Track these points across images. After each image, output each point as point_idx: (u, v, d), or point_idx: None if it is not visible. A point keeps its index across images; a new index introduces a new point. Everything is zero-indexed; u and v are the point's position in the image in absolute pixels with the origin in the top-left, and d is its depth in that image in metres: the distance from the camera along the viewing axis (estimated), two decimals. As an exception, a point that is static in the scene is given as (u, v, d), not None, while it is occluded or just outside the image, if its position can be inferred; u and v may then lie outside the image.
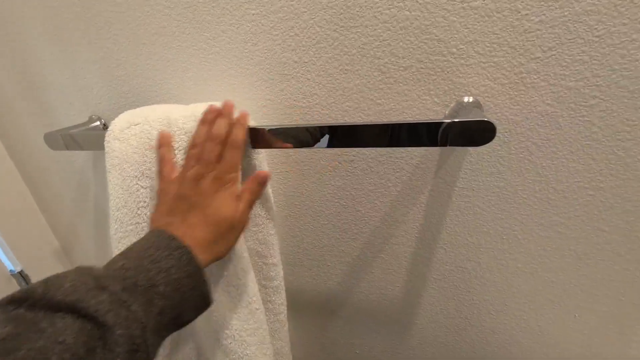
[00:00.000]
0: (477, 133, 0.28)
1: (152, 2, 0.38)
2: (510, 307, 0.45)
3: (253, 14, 0.36)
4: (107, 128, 0.36)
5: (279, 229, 0.49)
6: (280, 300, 0.47)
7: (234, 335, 0.37)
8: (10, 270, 0.60)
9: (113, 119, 0.37)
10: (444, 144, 0.29)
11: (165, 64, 0.42)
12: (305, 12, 0.34)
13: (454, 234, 0.42)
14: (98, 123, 0.47)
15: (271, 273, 0.45)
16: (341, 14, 0.33)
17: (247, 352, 0.38)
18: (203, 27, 0.38)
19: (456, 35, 0.31)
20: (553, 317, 0.44)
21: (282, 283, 0.47)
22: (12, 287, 0.60)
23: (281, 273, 0.46)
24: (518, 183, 0.37)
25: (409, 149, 0.38)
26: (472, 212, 0.40)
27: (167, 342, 0.42)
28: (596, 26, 0.28)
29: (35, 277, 0.62)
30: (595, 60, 0.29)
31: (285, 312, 0.49)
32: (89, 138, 0.42)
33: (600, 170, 0.34)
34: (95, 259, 0.66)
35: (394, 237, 0.45)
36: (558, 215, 0.37)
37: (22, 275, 0.61)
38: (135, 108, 0.38)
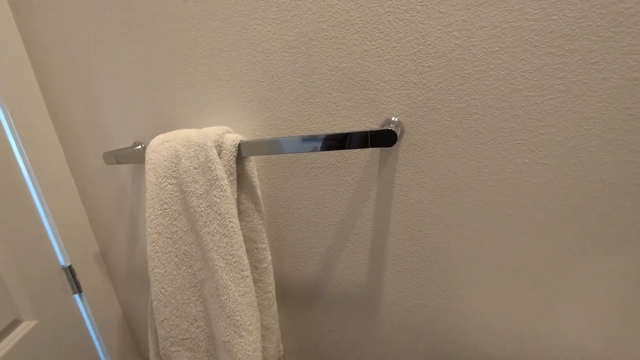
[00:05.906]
0: (386, 137, 0.42)
1: (181, 64, 0.57)
2: (453, 287, 0.56)
3: (247, 70, 0.53)
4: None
5: (267, 224, 0.63)
6: (269, 280, 0.59)
7: (228, 294, 0.50)
8: (62, 265, 0.76)
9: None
10: (368, 146, 0.43)
11: (190, 104, 0.59)
12: (280, 65, 0.51)
13: (399, 222, 0.55)
14: (140, 146, 0.65)
15: (260, 256, 0.58)
16: (303, 66, 0.50)
17: (238, 308, 0.50)
18: (215, 78, 0.56)
19: (378, 77, 0.47)
20: (487, 293, 0.54)
21: (270, 266, 0.59)
22: (62, 280, 0.76)
23: (269, 257, 0.59)
24: (436, 177, 0.50)
25: (357, 155, 0.53)
26: (409, 203, 0.53)
27: (178, 295, 0.55)
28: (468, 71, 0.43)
29: (81, 273, 0.77)
30: (470, 87, 0.44)
31: (274, 291, 0.60)
32: (134, 154, 0.59)
33: (493, 166, 0.47)
34: (127, 260, 0.81)
35: (355, 229, 0.58)
36: (470, 203, 0.50)
37: (70, 270, 0.76)
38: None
